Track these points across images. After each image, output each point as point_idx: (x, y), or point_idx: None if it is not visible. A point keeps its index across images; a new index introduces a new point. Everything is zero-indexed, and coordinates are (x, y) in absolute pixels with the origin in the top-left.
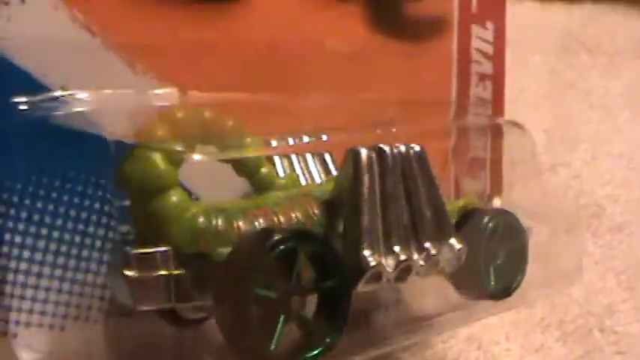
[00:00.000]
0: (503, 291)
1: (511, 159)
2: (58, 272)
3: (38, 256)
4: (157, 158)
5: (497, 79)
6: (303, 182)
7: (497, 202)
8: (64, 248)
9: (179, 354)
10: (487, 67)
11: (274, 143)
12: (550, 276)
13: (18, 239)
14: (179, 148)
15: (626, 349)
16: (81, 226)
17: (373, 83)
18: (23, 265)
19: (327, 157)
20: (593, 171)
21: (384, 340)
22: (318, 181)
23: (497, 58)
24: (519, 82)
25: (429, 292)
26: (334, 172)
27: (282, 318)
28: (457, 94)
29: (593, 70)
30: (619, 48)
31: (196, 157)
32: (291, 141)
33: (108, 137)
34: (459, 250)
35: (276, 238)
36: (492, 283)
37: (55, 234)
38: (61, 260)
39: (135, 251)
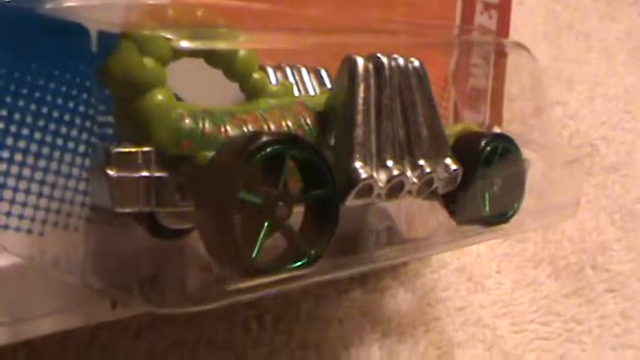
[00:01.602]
0: (498, 217)
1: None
2: (38, 175)
3: (18, 157)
4: (144, 53)
5: (503, 9)
6: (296, 93)
7: (496, 130)
8: (45, 150)
9: (160, 265)
10: None
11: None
12: (546, 208)
13: None
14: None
15: (618, 287)
16: (64, 129)
17: (374, 5)
18: (2, 166)
19: (323, 72)
20: (588, 112)
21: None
22: (312, 93)
23: None
24: (516, 20)
25: (420, 216)
26: (329, 87)
27: (266, 225)
28: (461, 22)
29: (592, 13)
30: None
31: (184, 44)
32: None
33: (91, 28)
34: (455, 170)
35: (263, 140)
36: (487, 208)
37: (37, 135)
38: (42, 163)
39: (116, 150)
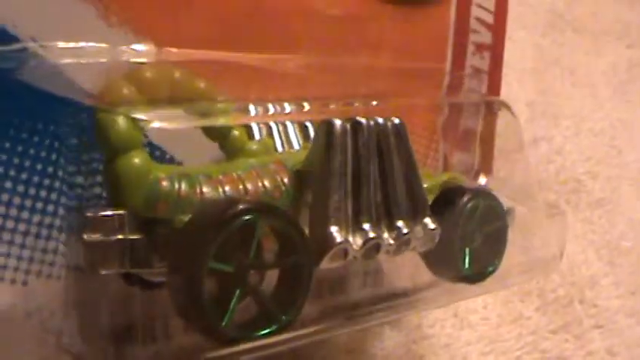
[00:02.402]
0: (478, 275)
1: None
2: (21, 226)
3: (1, 210)
4: (119, 119)
5: (495, 50)
6: (280, 149)
7: (482, 180)
8: (28, 203)
9: (144, 311)
10: (486, 37)
11: (251, 109)
12: (530, 261)
13: None
14: (138, 115)
15: (605, 323)
16: (47, 181)
17: (363, 48)
18: None
19: (309, 124)
20: (574, 147)
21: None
22: (297, 147)
23: (498, 27)
24: (504, 57)
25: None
26: None
27: (237, 293)
28: (452, 64)
29: (578, 49)
30: (604, 28)
31: (156, 124)
32: (270, 108)
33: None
34: (433, 229)
35: (236, 209)
36: (467, 265)
37: (20, 188)
38: (24, 214)
39: (91, 214)
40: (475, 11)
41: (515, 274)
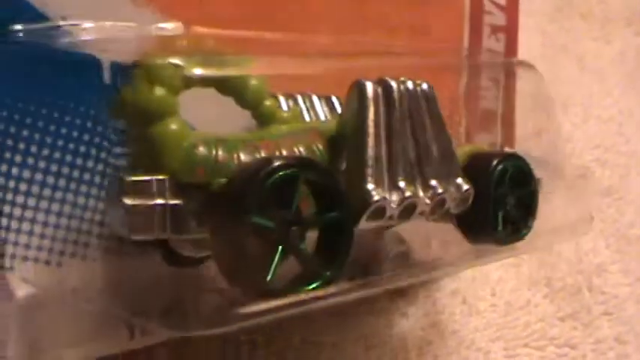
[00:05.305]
0: (512, 236)
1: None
2: (55, 207)
3: (35, 189)
4: (157, 83)
5: (510, 31)
6: (307, 119)
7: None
8: (62, 182)
9: (177, 293)
10: (500, 19)
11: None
12: (558, 226)
13: (15, 171)
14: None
15: (614, 310)
16: (79, 160)
17: (380, 31)
18: (20, 198)
19: (334, 98)
20: (582, 134)
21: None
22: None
23: (511, 8)
24: None
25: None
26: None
27: (280, 249)
28: (469, 46)
29: (586, 35)
30: (612, 14)
31: (197, 71)
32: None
33: (104, 60)
34: (466, 190)
35: (275, 164)
36: (500, 228)
37: (54, 167)
38: (58, 194)
39: (131, 178)
40: None
41: (545, 237)
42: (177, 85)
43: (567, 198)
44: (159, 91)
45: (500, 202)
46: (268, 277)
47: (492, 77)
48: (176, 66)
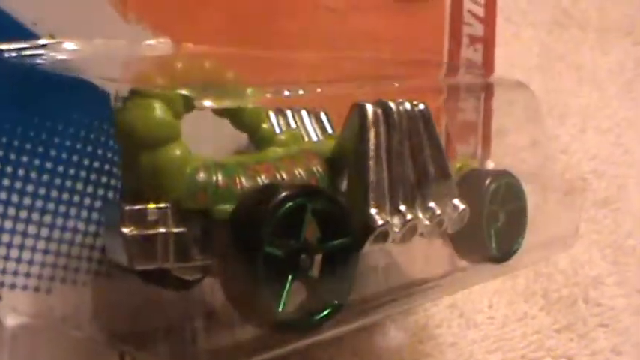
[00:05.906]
0: (505, 253)
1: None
2: (44, 231)
3: (23, 214)
4: (161, 107)
5: (487, 42)
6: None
7: (490, 165)
8: (51, 206)
9: (170, 317)
10: (478, 29)
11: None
12: (545, 240)
13: (3, 196)
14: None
15: (609, 322)
16: (69, 183)
17: (364, 41)
18: (8, 224)
19: (323, 115)
20: (580, 145)
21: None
22: (314, 138)
23: (488, 20)
24: (510, 53)
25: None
26: (330, 131)
27: (289, 277)
28: (449, 56)
29: (584, 45)
30: (610, 25)
31: (207, 102)
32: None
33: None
34: (462, 210)
35: (284, 194)
36: (494, 245)
37: (42, 191)
38: (47, 219)
39: (130, 207)
40: (467, 4)
41: (533, 252)
42: (181, 111)
43: (555, 213)
44: (166, 116)
45: (492, 219)
46: (280, 307)
47: (472, 93)
48: (184, 96)
